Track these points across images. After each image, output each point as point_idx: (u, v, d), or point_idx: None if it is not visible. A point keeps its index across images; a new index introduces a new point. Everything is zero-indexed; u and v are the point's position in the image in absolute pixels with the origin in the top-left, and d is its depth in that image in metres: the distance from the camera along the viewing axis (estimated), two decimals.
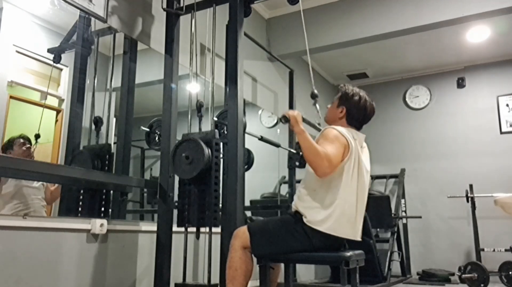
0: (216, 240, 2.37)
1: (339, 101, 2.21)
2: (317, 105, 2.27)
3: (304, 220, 1.99)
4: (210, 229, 2.38)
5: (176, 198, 2.47)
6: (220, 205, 2.38)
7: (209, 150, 2.32)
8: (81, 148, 2.71)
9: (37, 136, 2.61)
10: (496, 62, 5.32)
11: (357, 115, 2.18)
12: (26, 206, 2.56)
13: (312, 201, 2.02)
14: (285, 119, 2.07)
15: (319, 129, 2.30)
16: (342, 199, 1.99)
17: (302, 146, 1.96)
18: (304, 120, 2.13)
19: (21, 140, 2.57)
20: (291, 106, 4.37)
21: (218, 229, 2.35)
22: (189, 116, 2.66)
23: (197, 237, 2.40)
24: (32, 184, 2.65)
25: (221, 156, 2.45)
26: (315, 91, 2.26)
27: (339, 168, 2.00)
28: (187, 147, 2.36)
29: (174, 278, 2.44)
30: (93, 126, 2.75)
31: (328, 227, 1.96)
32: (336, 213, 1.97)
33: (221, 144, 2.44)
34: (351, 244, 2.06)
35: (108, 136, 2.83)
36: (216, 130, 2.42)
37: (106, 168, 2.67)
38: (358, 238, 2.07)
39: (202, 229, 2.41)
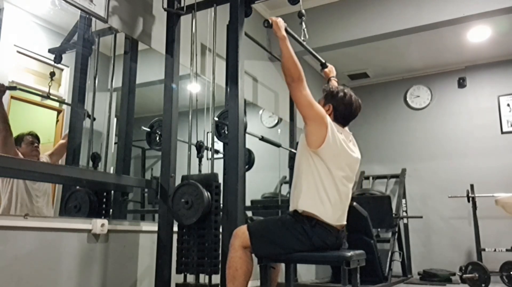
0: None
1: (325, 100, 2.23)
2: (304, 24, 2.42)
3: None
4: (210, 278, 2.30)
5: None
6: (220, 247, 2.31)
7: (209, 194, 2.27)
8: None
9: (52, 74, 2.63)
10: (497, 62, 5.31)
11: (344, 111, 2.19)
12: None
13: (298, 187, 2.07)
14: (267, 23, 2.16)
15: (303, 45, 2.49)
16: (324, 185, 2.03)
17: (283, 53, 2.08)
18: (288, 32, 2.21)
19: (30, 138, 2.55)
20: (291, 107, 4.37)
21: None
22: (189, 150, 2.58)
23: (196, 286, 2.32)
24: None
25: (221, 198, 2.37)
26: (303, 10, 2.45)
27: (319, 154, 2.04)
28: (187, 191, 2.30)
29: (175, 278, 2.44)
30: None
31: (315, 210, 2.00)
32: (321, 198, 2.01)
33: (221, 185, 2.37)
34: (352, 244, 2.06)
35: (107, 158, 2.78)
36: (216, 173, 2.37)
37: (104, 206, 2.62)
38: (343, 222, 2.11)
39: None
